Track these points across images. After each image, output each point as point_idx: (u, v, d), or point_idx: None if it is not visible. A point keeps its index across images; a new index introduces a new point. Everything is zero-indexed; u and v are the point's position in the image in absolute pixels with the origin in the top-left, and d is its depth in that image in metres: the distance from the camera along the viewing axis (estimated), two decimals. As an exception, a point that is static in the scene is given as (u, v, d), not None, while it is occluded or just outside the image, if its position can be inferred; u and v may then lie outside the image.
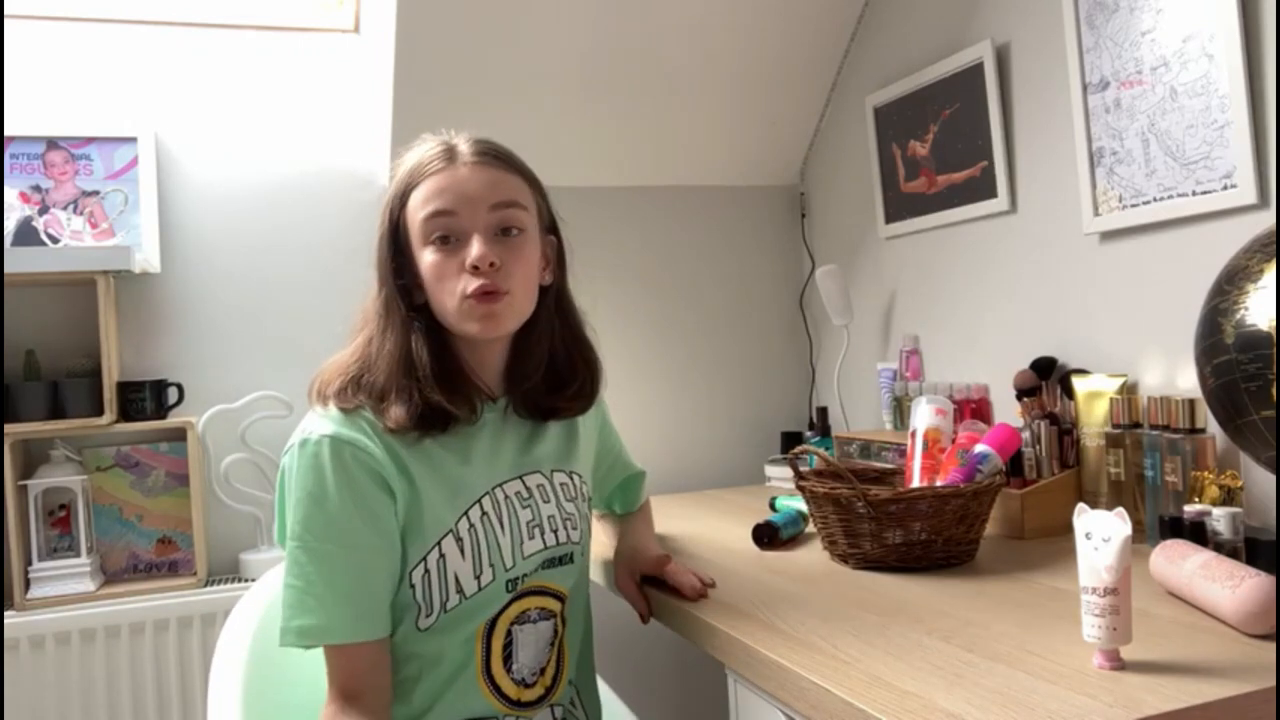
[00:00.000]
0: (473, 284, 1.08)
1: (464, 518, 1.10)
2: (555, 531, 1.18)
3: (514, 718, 1.14)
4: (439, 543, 1.08)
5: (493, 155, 1.14)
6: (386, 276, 1.13)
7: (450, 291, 1.09)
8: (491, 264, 1.08)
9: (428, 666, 1.10)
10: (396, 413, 1.07)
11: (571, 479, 1.23)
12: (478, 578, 1.10)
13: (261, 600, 1.33)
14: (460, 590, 1.09)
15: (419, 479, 1.08)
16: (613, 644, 1.79)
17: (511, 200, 1.12)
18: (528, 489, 1.17)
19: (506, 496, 1.15)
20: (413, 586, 1.08)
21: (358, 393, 1.09)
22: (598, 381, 1.26)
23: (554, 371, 1.21)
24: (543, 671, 1.17)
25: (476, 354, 1.16)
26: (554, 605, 1.18)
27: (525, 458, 1.19)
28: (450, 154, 1.12)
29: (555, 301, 1.21)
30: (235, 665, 1.22)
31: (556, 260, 1.21)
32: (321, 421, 1.07)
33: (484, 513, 1.12)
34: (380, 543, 1.06)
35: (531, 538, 1.16)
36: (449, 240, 1.10)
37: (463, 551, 1.09)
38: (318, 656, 1.07)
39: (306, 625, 1.02)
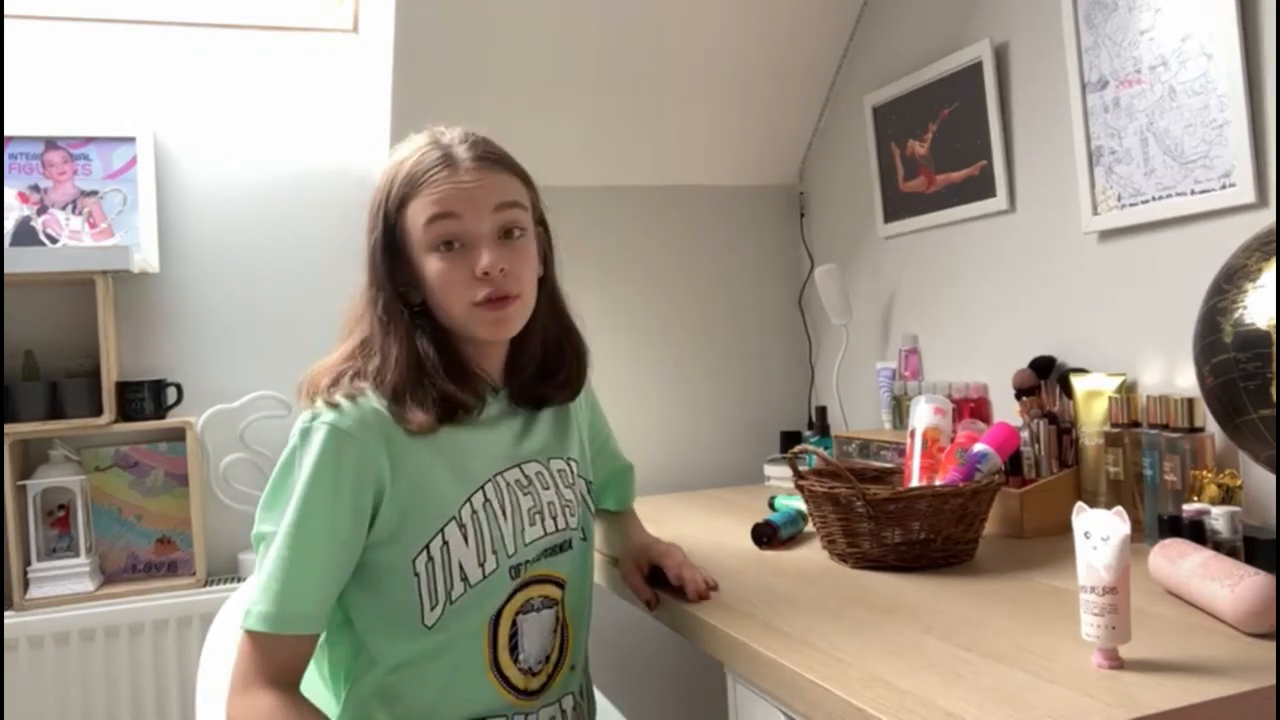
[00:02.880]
0: (483, 291, 1.10)
1: (467, 504, 1.11)
2: (555, 518, 1.19)
3: (523, 714, 1.14)
4: (442, 529, 1.09)
5: (491, 158, 1.14)
6: (383, 280, 1.13)
7: (459, 297, 1.10)
8: (501, 270, 1.09)
9: (436, 666, 1.09)
10: (417, 416, 1.08)
11: (569, 465, 1.25)
12: (482, 565, 1.10)
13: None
14: (465, 578, 1.09)
15: (424, 467, 1.09)
16: (613, 643, 1.79)
17: (513, 201, 1.13)
18: (526, 477, 1.18)
19: (507, 484, 1.15)
20: (417, 575, 1.07)
21: (358, 379, 1.10)
22: (585, 367, 1.28)
23: (544, 360, 1.23)
24: (547, 658, 1.17)
25: (480, 350, 1.18)
26: (555, 593, 1.19)
27: (523, 446, 1.20)
28: (449, 158, 1.11)
29: (547, 292, 1.22)
30: (224, 664, 1.19)
31: (546, 251, 1.22)
32: (325, 409, 1.07)
33: (486, 499, 1.13)
34: (357, 539, 1.07)
35: (532, 524, 1.16)
36: (454, 246, 1.10)
37: (466, 538, 1.10)
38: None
39: (273, 612, 1.01)
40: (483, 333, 1.13)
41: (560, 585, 1.19)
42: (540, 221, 1.22)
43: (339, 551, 1.05)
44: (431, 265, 1.10)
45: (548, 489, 1.20)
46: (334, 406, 1.07)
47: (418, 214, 1.10)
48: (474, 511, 1.11)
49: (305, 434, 1.07)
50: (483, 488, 1.13)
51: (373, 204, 1.15)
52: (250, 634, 1.02)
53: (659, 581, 1.29)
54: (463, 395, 1.11)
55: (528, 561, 1.15)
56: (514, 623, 1.14)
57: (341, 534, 1.05)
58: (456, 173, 1.10)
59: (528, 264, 1.14)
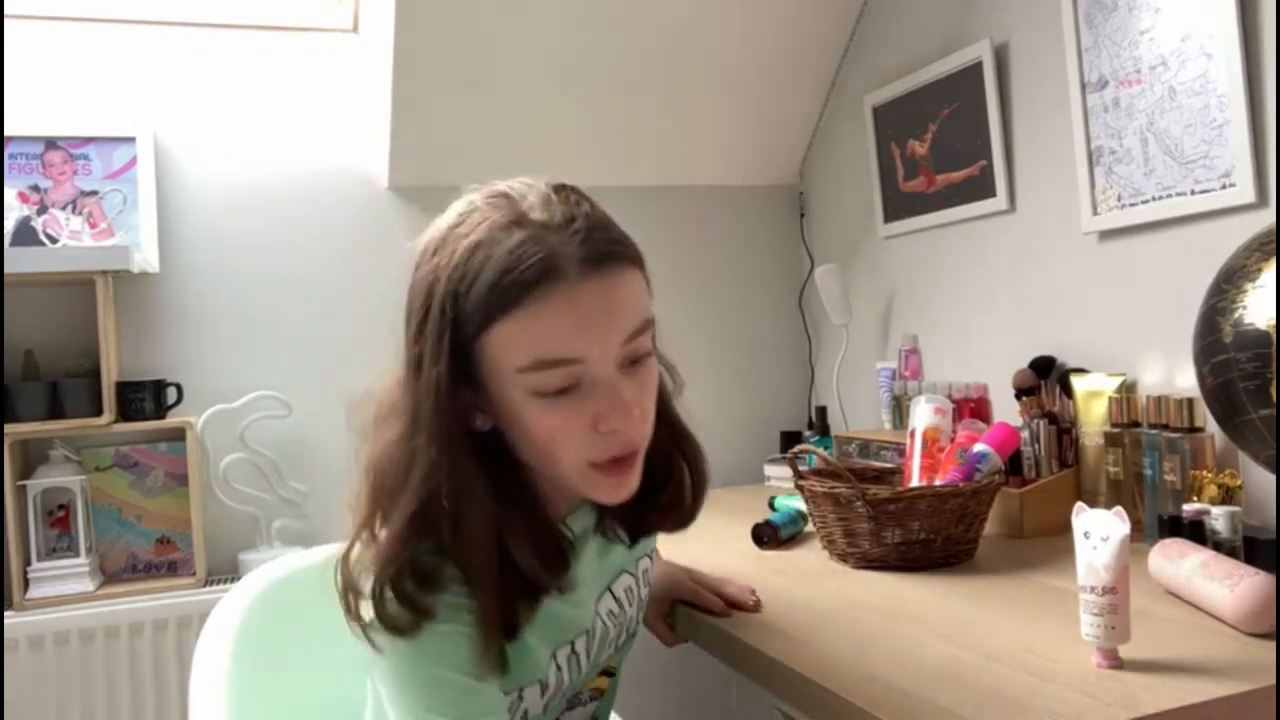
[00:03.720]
0: (604, 450, 0.82)
1: (552, 660, 0.91)
2: (631, 632, 1.03)
3: None
4: (522, 690, 0.88)
5: (612, 251, 0.81)
6: (451, 427, 0.80)
7: (569, 455, 0.82)
8: (635, 416, 0.82)
9: None
10: (502, 624, 0.82)
11: (653, 557, 1.07)
12: (546, 707, 0.93)
13: (244, 598, 1.19)
14: (525, 715, 0.91)
15: (520, 633, 0.86)
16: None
17: (646, 319, 0.83)
18: (617, 601, 0.99)
19: (602, 621, 0.96)
20: None
21: (430, 583, 0.80)
22: (703, 483, 0.98)
23: (648, 478, 0.90)
24: None
25: (551, 484, 0.89)
26: (605, 683, 1.04)
27: (609, 559, 0.98)
28: (556, 267, 0.77)
29: (660, 396, 0.92)
30: (219, 670, 1.09)
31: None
32: (395, 637, 0.79)
33: (573, 651, 0.93)
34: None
35: (608, 651, 1.00)
36: (565, 392, 0.80)
37: (543, 692, 0.91)
38: (307, 656, 1.00)
39: None
40: (597, 497, 0.87)
41: (611, 674, 1.04)
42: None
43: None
44: (531, 413, 0.81)
45: (632, 605, 1.01)
46: (410, 630, 0.78)
47: (512, 350, 0.78)
48: (558, 668, 0.91)
49: (390, 663, 0.80)
50: (573, 641, 0.93)
51: (422, 303, 0.81)
52: None
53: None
54: (554, 580, 0.85)
55: (590, 679, 0.99)
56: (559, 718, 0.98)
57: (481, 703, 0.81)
58: (572, 288, 0.77)
59: (652, 394, 0.86)
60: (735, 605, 1.18)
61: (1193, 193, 1.45)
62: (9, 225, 1.94)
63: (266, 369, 2.08)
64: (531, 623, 0.85)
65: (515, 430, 0.83)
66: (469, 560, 0.80)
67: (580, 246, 0.78)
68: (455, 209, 0.84)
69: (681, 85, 2.22)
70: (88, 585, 1.87)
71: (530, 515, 0.85)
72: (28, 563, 1.86)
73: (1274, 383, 1.03)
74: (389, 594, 0.78)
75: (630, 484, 0.85)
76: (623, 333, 0.81)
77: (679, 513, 0.97)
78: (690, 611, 1.21)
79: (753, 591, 1.22)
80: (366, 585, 0.79)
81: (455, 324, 0.79)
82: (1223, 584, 1.02)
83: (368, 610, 0.79)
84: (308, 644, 1.14)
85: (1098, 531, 0.92)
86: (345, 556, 0.82)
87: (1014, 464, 1.54)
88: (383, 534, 0.81)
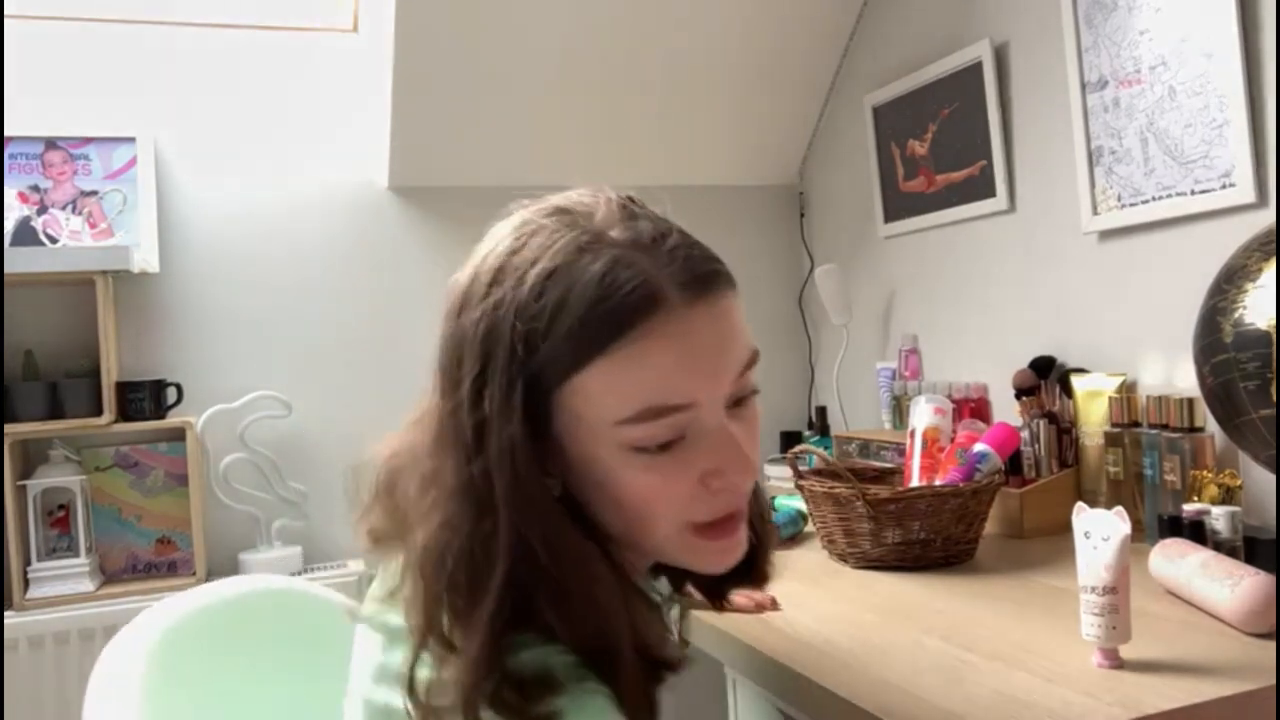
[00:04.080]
0: (713, 509, 0.68)
1: None
2: None
3: None
4: None
5: (714, 273, 0.68)
6: (532, 492, 0.64)
7: (667, 519, 0.67)
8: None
9: None
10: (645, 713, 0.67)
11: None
12: None
13: (137, 653, 1.00)
14: None
15: None
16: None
17: (754, 352, 0.69)
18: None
19: None
20: None
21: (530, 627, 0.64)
22: (769, 546, 0.83)
23: None
24: None
25: (633, 553, 0.74)
26: None
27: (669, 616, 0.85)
28: (657, 290, 0.63)
29: None
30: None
31: None
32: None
33: None
34: None
35: None
36: (670, 446, 0.65)
37: None
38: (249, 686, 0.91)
39: None
40: (697, 567, 0.72)
41: None
42: None
43: None
44: (627, 474, 0.65)
45: None
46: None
47: (608, 398, 0.63)
48: None
49: None
50: None
51: (481, 350, 0.64)
52: None
53: None
54: (670, 660, 0.70)
55: None
56: None
57: None
58: (681, 321, 0.63)
59: (758, 435, 0.71)
60: (743, 611, 1.15)
61: (1193, 193, 1.45)
62: (9, 225, 1.94)
63: (266, 369, 2.08)
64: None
65: (599, 493, 0.67)
66: (599, 642, 0.64)
67: (681, 268, 0.65)
68: (507, 231, 0.67)
69: (681, 85, 2.22)
70: (88, 585, 1.87)
71: (621, 575, 0.68)
72: (28, 563, 1.86)
73: (1274, 383, 1.03)
74: (489, 716, 0.60)
75: (739, 547, 0.71)
76: (735, 368, 0.67)
77: (762, 570, 0.82)
78: (690, 614, 1.21)
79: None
80: (458, 715, 0.60)
81: (531, 372, 0.63)
82: (1223, 584, 1.02)
83: None
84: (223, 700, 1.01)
85: (1098, 531, 0.92)
86: (411, 680, 0.63)
87: (1014, 464, 1.54)
88: (460, 639, 0.62)
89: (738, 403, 0.68)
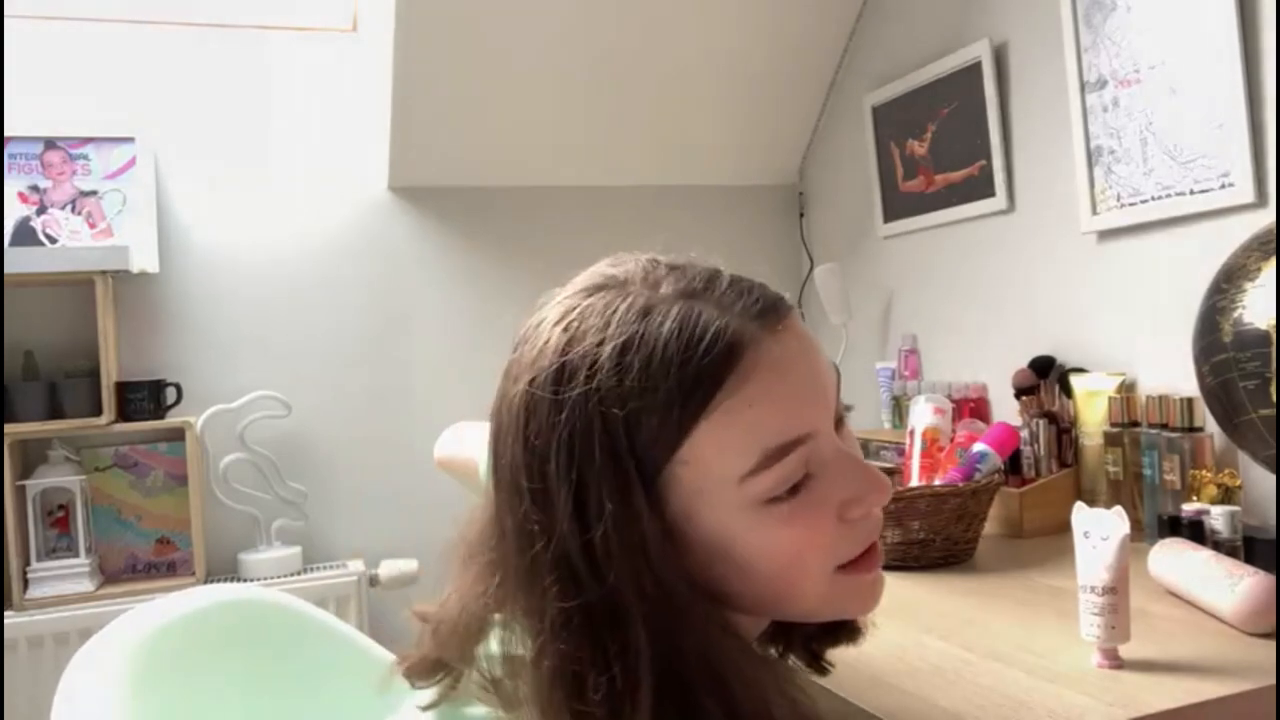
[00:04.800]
0: (856, 540, 0.64)
1: None
2: None
3: None
4: None
5: (778, 299, 0.64)
6: (679, 588, 0.58)
7: (817, 566, 0.62)
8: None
9: None
10: None
11: None
12: None
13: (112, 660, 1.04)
14: None
15: None
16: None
17: (837, 368, 0.69)
18: None
19: None
20: None
21: None
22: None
23: None
24: None
25: (751, 625, 0.68)
26: None
27: None
28: (738, 330, 0.59)
29: None
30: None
31: None
32: None
33: None
34: None
35: None
36: (799, 488, 0.60)
37: None
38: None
39: None
40: (851, 612, 0.69)
41: None
42: None
43: None
44: (762, 534, 0.59)
45: None
46: None
47: (724, 456, 0.58)
48: None
49: None
50: None
51: (577, 449, 0.57)
52: None
53: None
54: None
55: None
56: None
57: None
58: (774, 351, 0.59)
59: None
60: None
61: (1192, 192, 1.45)
62: (9, 225, 1.94)
63: (266, 369, 2.08)
64: None
65: (738, 572, 0.60)
66: None
67: (748, 303, 0.61)
68: (549, 326, 0.61)
69: (682, 85, 2.22)
70: (87, 585, 1.87)
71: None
72: (27, 563, 1.86)
73: (1274, 382, 1.03)
74: None
75: (882, 581, 0.67)
76: (833, 383, 0.63)
77: (857, 634, 0.76)
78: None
79: None
80: None
81: (639, 456, 0.57)
82: (1223, 584, 1.02)
83: None
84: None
85: (1098, 531, 0.92)
86: None
87: (1014, 464, 1.54)
88: None
89: (837, 425, 0.64)
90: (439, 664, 0.63)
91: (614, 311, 0.59)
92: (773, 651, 0.74)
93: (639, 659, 0.55)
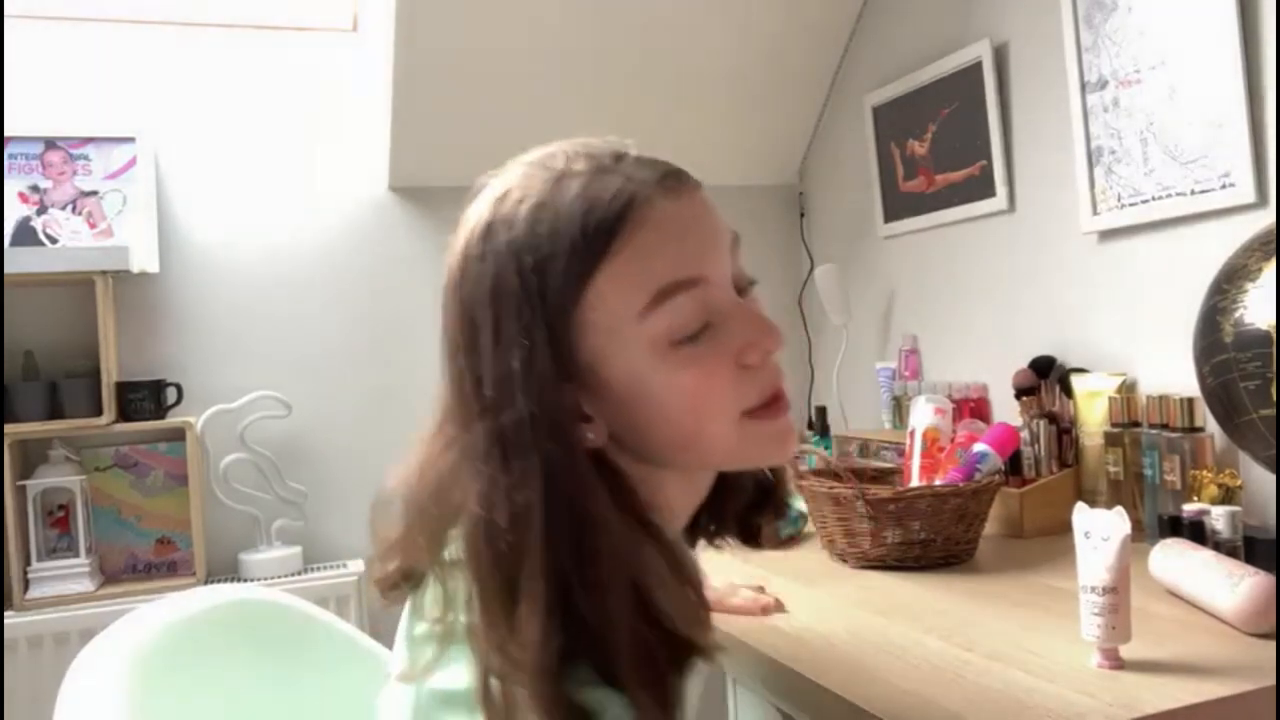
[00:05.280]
0: (755, 389, 0.68)
1: None
2: None
3: None
4: None
5: (679, 171, 0.73)
6: (566, 432, 0.64)
7: (721, 412, 0.67)
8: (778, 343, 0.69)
9: None
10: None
11: None
12: None
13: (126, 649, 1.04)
14: None
15: None
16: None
17: (736, 235, 0.73)
18: None
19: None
20: None
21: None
22: (787, 476, 0.88)
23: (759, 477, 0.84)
24: None
25: (680, 489, 0.74)
26: None
27: None
28: (636, 190, 0.67)
29: None
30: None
31: None
32: None
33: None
34: None
35: None
36: (702, 333, 0.66)
37: None
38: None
39: None
40: (764, 458, 0.74)
41: None
42: None
43: None
44: (665, 375, 0.65)
45: None
46: None
47: (623, 295, 0.65)
48: None
49: None
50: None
51: (491, 297, 0.65)
52: None
53: None
54: (704, 641, 0.64)
55: None
56: None
57: None
58: (668, 207, 0.67)
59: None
60: (748, 613, 1.15)
61: (1192, 192, 1.45)
62: (9, 225, 1.94)
63: (266, 369, 2.08)
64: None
65: (649, 412, 0.66)
66: (610, 637, 0.59)
67: (650, 172, 0.69)
68: (484, 201, 0.69)
69: (681, 85, 2.22)
70: (87, 585, 1.87)
71: (662, 546, 0.65)
72: (28, 563, 1.86)
73: (1274, 383, 1.03)
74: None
75: (794, 431, 0.71)
76: (727, 242, 0.70)
77: (781, 498, 0.85)
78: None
79: (761, 589, 1.20)
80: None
81: (546, 298, 0.63)
82: (1223, 584, 1.02)
83: None
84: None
85: (1098, 531, 0.92)
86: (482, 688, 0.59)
87: (1014, 464, 1.54)
88: (520, 620, 0.59)
89: (740, 292, 0.70)
90: (408, 573, 0.69)
91: (534, 180, 0.67)
92: (712, 528, 0.83)
93: (533, 486, 0.61)
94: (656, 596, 0.62)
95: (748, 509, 0.83)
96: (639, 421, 0.67)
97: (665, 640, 0.61)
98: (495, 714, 0.58)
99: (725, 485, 0.80)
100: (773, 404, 0.69)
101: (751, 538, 0.85)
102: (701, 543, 0.85)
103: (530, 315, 0.63)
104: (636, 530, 0.64)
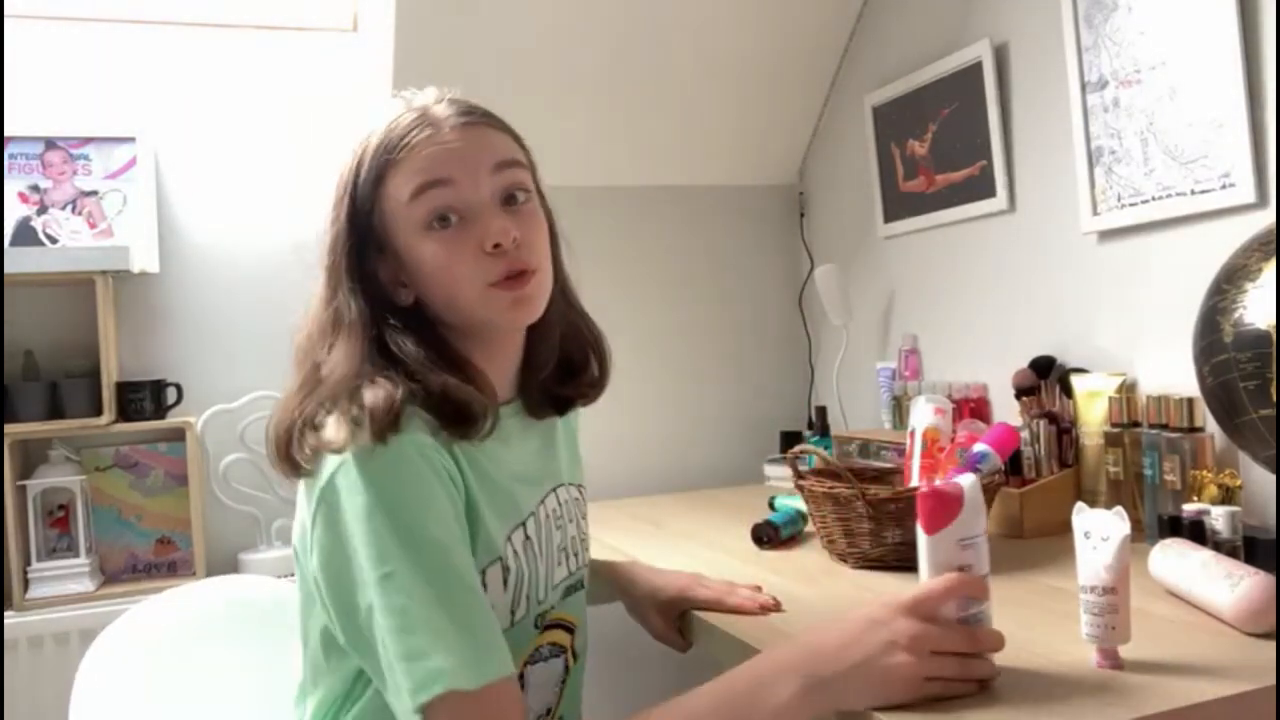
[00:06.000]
0: (496, 268, 0.92)
1: (509, 542, 0.94)
2: (576, 555, 1.07)
3: None
4: (483, 571, 0.90)
5: (479, 114, 0.98)
6: (348, 280, 0.94)
7: (468, 280, 0.92)
8: (514, 240, 0.92)
9: None
10: (466, 428, 0.89)
11: (581, 493, 1.13)
12: (513, 612, 0.94)
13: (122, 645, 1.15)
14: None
15: (476, 492, 0.91)
16: (608, 640, 1.78)
17: (512, 159, 0.96)
18: (559, 504, 1.05)
19: (546, 515, 1.01)
20: None
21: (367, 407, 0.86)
22: (608, 359, 1.10)
23: (565, 356, 1.06)
24: (548, 711, 1.04)
25: (487, 350, 0.98)
26: (564, 639, 1.05)
27: (551, 466, 1.06)
28: (428, 118, 0.94)
29: (559, 274, 1.04)
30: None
31: (552, 226, 1.04)
32: (364, 444, 0.83)
33: (528, 536, 0.97)
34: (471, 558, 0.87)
35: (559, 564, 1.03)
36: (451, 220, 0.92)
37: (505, 582, 0.93)
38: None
39: (466, 660, 0.77)
40: (503, 319, 0.95)
41: (570, 630, 1.06)
42: (540, 193, 1.03)
43: (473, 574, 0.85)
44: (426, 249, 0.92)
45: (572, 521, 1.07)
46: (377, 435, 0.83)
47: (400, 188, 0.92)
48: (515, 551, 0.95)
49: (357, 469, 0.82)
50: (524, 523, 0.97)
51: (337, 190, 0.97)
52: (445, 705, 0.75)
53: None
54: (464, 395, 0.89)
55: (551, 607, 1.02)
56: (523, 674, 0.98)
57: (465, 556, 0.85)
58: (441, 133, 0.93)
59: (541, 233, 0.97)
60: (746, 612, 1.16)
61: (1193, 193, 1.45)
62: (9, 225, 1.94)
63: (266, 369, 2.08)
64: (479, 467, 0.91)
65: (423, 277, 0.93)
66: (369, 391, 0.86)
67: (449, 108, 0.97)
68: None
69: (682, 85, 2.22)
70: (88, 585, 1.87)
71: (444, 355, 0.93)
72: (28, 563, 1.86)
73: (1274, 383, 1.03)
74: (366, 393, 0.86)
75: (531, 301, 0.95)
76: (488, 161, 0.94)
77: (596, 386, 1.10)
78: (689, 614, 1.21)
79: (759, 589, 1.20)
80: (328, 409, 0.88)
81: (355, 190, 0.95)
82: (1223, 584, 1.02)
83: (336, 427, 0.85)
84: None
85: (1098, 531, 0.92)
86: (287, 416, 0.92)
87: (1014, 464, 1.54)
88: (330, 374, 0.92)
89: (509, 200, 0.95)
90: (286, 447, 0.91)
91: (389, 114, 0.97)
92: (516, 407, 1.03)
93: (326, 316, 0.97)
94: (420, 362, 0.91)
95: (553, 382, 1.05)
96: (421, 285, 0.94)
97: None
98: (346, 415, 0.84)
99: (529, 360, 1.03)
100: (511, 280, 0.92)
101: (562, 410, 1.08)
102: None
103: (345, 203, 0.95)
104: (399, 334, 0.93)
